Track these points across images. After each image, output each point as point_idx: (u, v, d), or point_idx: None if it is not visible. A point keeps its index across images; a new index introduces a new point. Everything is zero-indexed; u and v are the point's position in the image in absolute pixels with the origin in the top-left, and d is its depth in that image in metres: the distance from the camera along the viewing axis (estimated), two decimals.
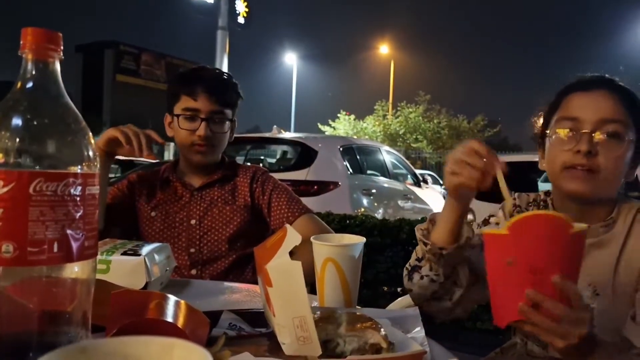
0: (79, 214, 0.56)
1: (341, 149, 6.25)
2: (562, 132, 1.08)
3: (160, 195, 1.61)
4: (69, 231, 0.55)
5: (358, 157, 6.63)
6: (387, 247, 2.70)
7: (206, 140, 1.54)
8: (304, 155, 5.85)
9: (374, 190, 6.48)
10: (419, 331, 0.85)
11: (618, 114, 1.04)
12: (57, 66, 0.59)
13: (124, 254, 1.06)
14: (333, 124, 25.32)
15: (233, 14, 19.35)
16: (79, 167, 0.56)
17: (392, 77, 30.82)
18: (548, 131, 1.11)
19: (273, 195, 1.61)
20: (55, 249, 0.54)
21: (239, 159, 6.29)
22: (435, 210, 6.39)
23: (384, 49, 33.02)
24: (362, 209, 5.87)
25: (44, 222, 0.53)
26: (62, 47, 0.59)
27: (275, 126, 6.61)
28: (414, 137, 24.50)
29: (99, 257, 1.01)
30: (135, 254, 1.06)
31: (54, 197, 0.54)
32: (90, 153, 0.58)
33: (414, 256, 1.14)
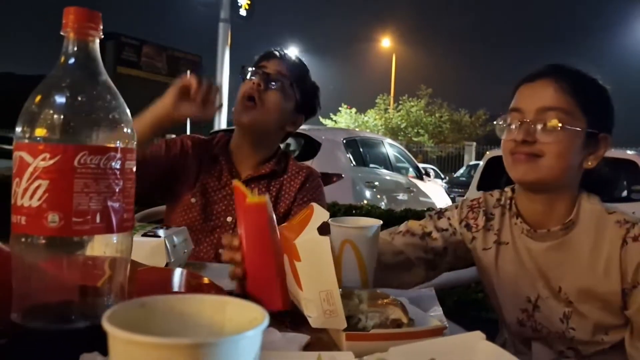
0: (118, 187, 0.58)
1: (344, 141, 6.27)
2: (507, 123, 1.12)
3: (204, 177, 1.51)
4: (109, 203, 0.57)
5: (361, 149, 6.65)
6: None
7: (250, 99, 1.46)
8: (308, 147, 5.87)
9: (376, 183, 6.51)
10: (436, 309, 0.88)
11: (559, 101, 1.06)
12: (97, 44, 0.61)
13: (144, 235, 1.09)
14: (335, 117, 25.32)
15: (235, 6, 19.31)
16: (118, 142, 0.58)
17: (393, 71, 30.77)
18: (500, 122, 1.14)
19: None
20: (98, 220, 0.56)
21: None
22: (437, 204, 6.43)
23: (385, 42, 32.93)
24: (365, 201, 5.89)
25: (87, 194, 0.56)
26: (101, 26, 0.60)
27: None
28: (415, 130, 24.51)
29: None
30: (155, 235, 1.09)
31: (97, 170, 0.56)
32: (129, 129, 0.60)
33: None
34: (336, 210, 2.84)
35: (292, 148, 6.89)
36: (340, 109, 25.29)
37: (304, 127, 6.75)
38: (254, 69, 1.50)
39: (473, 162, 19.82)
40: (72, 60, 0.59)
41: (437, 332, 0.73)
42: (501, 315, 1.21)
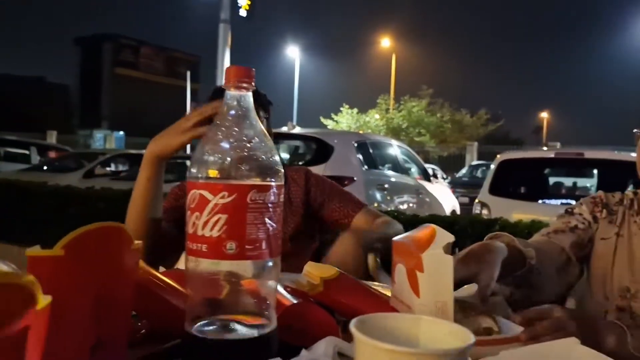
0: (275, 218, 0.69)
1: (356, 144, 6.38)
2: None
3: None
4: (271, 232, 0.68)
5: (372, 152, 6.76)
6: None
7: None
8: (320, 151, 5.98)
9: (386, 185, 6.62)
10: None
11: None
12: (251, 96, 0.71)
13: None
14: (336, 118, 25.43)
15: (235, 7, 19.42)
16: (274, 179, 0.69)
17: (393, 71, 30.84)
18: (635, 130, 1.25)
19: (331, 195, 1.73)
20: (264, 247, 0.67)
21: None
22: (445, 205, 6.49)
23: (385, 42, 33.02)
24: (376, 204, 6.00)
25: (256, 225, 0.66)
26: (254, 79, 0.71)
27: (289, 121, 6.74)
28: (417, 130, 24.63)
29: None
30: None
31: (262, 204, 0.67)
32: (280, 167, 0.70)
33: None
34: None
35: (303, 152, 7.02)
36: (341, 109, 25.43)
37: (315, 131, 6.90)
38: None
39: (475, 162, 19.94)
40: (232, 110, 0.70)
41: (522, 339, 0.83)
42: (595, 303, 1.30)
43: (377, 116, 25.88)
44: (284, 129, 6.63)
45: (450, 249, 0.77)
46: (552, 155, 5.75)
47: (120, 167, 11.42)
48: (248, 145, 0.68)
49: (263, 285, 0.69)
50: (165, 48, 62.46)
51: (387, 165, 7.23)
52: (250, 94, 0.71)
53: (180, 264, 1.09)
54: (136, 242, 0.73)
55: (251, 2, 19.98)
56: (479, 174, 18.07)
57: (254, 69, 0.71)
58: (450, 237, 0.77)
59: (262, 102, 1.66)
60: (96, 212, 4.00)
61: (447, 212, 8.15)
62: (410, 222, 2.94)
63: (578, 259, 1.32)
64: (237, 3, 19.50)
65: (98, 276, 0.67)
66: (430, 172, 8.78)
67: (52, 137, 23.27)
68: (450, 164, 22.51)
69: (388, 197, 6.54)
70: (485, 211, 5.29)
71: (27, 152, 12.75)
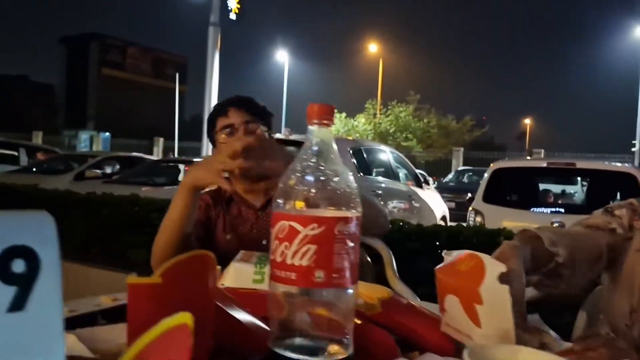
0: (355, 247, 0.73)
1: (351, 151, 6.45)
2: None
3: (230, 217, 1.66)
4: (353, 260, 0.72)
5: (366, 158, 6.83)
6: (425, 252, 2.89)
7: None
8: None
9: (380, 192, 6.69)
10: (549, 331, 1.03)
11: None
12: (331, 130, 0.76)
13: None
14: None
15: (225, 10, 19.45)
16: (354, 210, 0.73)
17: (380, 76, 31.03)
18: None
19: None
20: (347, 275, 0.71)
21: None
22: (436, 211, 6.59)
23: (373, 47, 33.22)
24: None
25: (341, 255, 0.70)
26: (334, 115, 0.75)
27: (286, 128, 6.79)
28: (404, 135, 24.80)
29: (254, 268, 1.18)
30: None
31: (347, 235, 0.71)
32: (358, 198, 0.75)
33: None
34: None
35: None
36: None
37: (303, 137, 6.91)
38: (228, 128, 1.61)
39: (461, 168, 20.15)
40: (315, 146, 0.74)
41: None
42: (617, 315, 1.30)
43: (363, 120, 26.02)
44: (278, 135, 6.67)
45: (504, 278, 0.82)
46: (545, 165, 5.87)
47: (111, 170, 11.34)
48: (334, 179, 0.72)
49: (344, 311, 0.73)
50: (152, 49, 62.08)
51: (380, 172, 7.30)
52: (330, 129, 0.75)
53: (226, 281, 1.12)
54: (217, 267, 0.76)
55: (241, 6, 20.05)
56: (465, 179, 18.26)
57: (334, 106, 0.75)
58: (501, 267, 0.82)
59: (263, 115, 1.67)
60: (99, 218, 4.00)
61: (438, 217, 8.25)
62: (415, 232, 3.00)
63: (608, 260, 1.31)
64: (227, 6, 19.56)
65: (191, 301, 0.70)
66: (423, 178, 8.86)
67: (38, 138, 23.05)
68: (436, 169, 22.70)
69: (381, 203, 6.60)
70: (479, 219, 5.38)
71: (15, 153, 12.62)
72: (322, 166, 0.73)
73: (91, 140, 28.71)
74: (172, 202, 1.40)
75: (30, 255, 0.47)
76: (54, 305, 0.48)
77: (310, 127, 0.75)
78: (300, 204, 0.71)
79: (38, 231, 0.48)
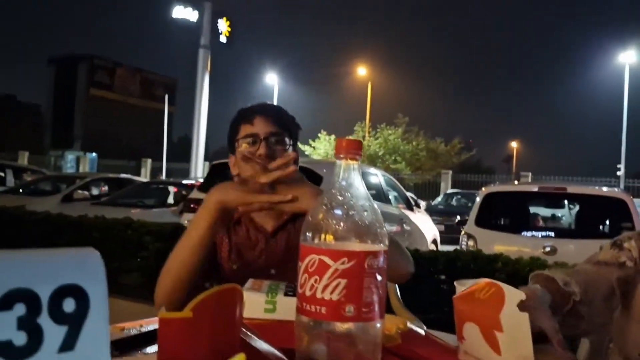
0: (382, 281, 0.73)
1: None
2: None
3: (236, 242, 1.52)
4: (381, 294, 0.72)
5: None
6: (423, 278, 2.89)
7: (268, 160, 1.40)
8: (310, 180, 6.01)
9: None
10: None
11: None
12: (358, 164, 0.77)
13: (286, 294, 1.22)
14: (313, 144, 25.60)
15: (215, 32, 19.61)
16: (383, 244, 0.74)
17: (369, 99, 31.30)
18: None
19: None
20: (376, 309, 0.71)
21: None
22: (427, 235, 6.62)
23: (362, 71, 33.58)
24: None
25: (370, 289, 0.71)
26: (362, 150, 0.76)
27: None
28: (393, 158, 24.94)
29: (265, 297, 1.17)
30: (295, 294, 1.22)
31: (376, 268, 0.71)
32: (385, 231, 0.75)
33: None
34: None
35: None
36: (319, 135, 25.62)
37: (303, 160, 6.95)
38: (251, 137, 1.48)
39: (450, 190, 20.28)
40: (344, 181, 0.75)
41: None
42: (632, 347, 1.31)
43: None
44: None
45: (524, 306, 0.83)
46: (536, 189, 5.93)
47: (98, 191, 11.25)
48: (363, 213, 0.73)
49: (371, 345, 0.73)
50: (141, 70, 62.20)
51: (371, 194, 7.30)
52: (358, 163, 0.76)
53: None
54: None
55: (231, 29, 20.23)
56: (454, 202, 18.37)
57: (361, 140, 0.77)
58: (521, 295, 0.83)
59: (290, 127, 1.52)
60: (90, 241, 3.96)
61: (429, 241, 8.27)
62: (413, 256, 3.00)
63: (622, 293, 1.32)
64: (218, 29, 19.72)
65: (219, 334, 0.70)
66: (413, 201, 8.90)
67: (23, 158, 22.84)
68: (424, 192, 22.82)
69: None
70: (471, 243, 5.39)
71: (2, 174, 12.49)
72: (350, 200, 0.74)
73: (77, 161, 28.53)
74: (191, 224, 1.28)
75: (80, 294, 0.47)
76: (102, 344, 0.48)
77: (338, 161, 0.76)
78: (330, 238, 0.72)
79: (87, 269, 0.49)
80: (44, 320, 0.45)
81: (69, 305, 0.46)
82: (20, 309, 0.43)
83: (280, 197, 1.21)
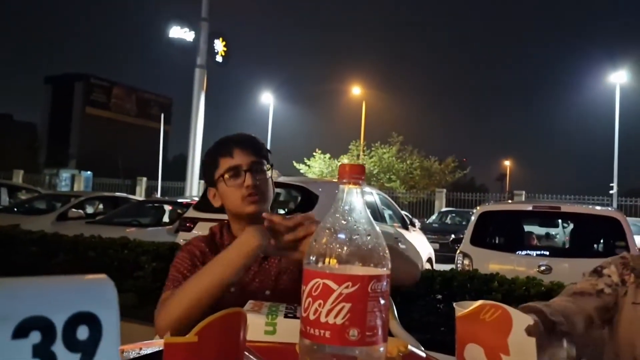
0: (385, 305, 0.74)
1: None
2: None
3: None
4: (384, 318, 0.73)
5: None
6: (420, 297, 2.89)
7: (256, 189, 1.51)
8: (306, 199, 6.03)
9: None
10: None
11: None
12: (361, 189, 0.78)
13: (286, 316, 1.22)
14: (308, 163, 25.66)
15: (211, 52, 19.74)
16: (386, 268, 0.75)
17: (363, 118, 31.45)
18: None
19: None
20: (379, 333, 0.72)
21: None
22: (422, 254, 6.62)
23: (356, 90, 33.80)
24: None
25: (374, 312, 0.72)
26: (365, 175, 0.78)
27: (274, 170, 6.81)
28: (387, 176, 25.01)
29: (265, 319, 1.18)
30: (295, 316, 1.23)
31: (379, 292, 0.72)
32: (388, 255, 0.77)
33: None
34: None
35: (287, 200, 7.05)
36: (314, 154, 25.72)
37: (300, 179, 6.97)
38: (234, 170, 1.54)
39: (445, 209, 20.33)
40: (347, 205, 0.77)
41: None
42: None
43: (347, 161, 26.23)
44: None
45: (532, 331, 0.84)
46: (530, 208, 5.96)
47: (93, 210, 11.20)
48: (367, 237, 0.75)
49: None
50: (137, 89, 62.50)
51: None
52: (360, 188, 0.78)
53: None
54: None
55: (227, 49, 20.38)
56: (448, 220, 18.41)
57: (364, 165, 0.78)
58: (529, 320, 0.84)
59: (266, 154, 1.60)
60: (85, 261, 3.94)
61: (424, 259, 8.27)
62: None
63: (603, 321, 1.34)
64: (214, 49, 19.87)
65: (225, 357, 0.71)
66: (409, 220, 8.91)
67: (18, 176, 22.78)
68: (419, 210, 22.86)
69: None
70: (467, 261, 5.40)
71: None
72: (354, 224, 0.75)
73: (72, 179, 28.43)
74: (222, 261, 1.31)
75: (93, 321, 0.48)
76: None
77: (342, 186, 0.78)
78: (334, 262, 0.73)
79: (100, 296, 0.49)
80: (58, 347, 0.45)
81: (82, 332, 0.47)
82: (35, 337, 0.44)
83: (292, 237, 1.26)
